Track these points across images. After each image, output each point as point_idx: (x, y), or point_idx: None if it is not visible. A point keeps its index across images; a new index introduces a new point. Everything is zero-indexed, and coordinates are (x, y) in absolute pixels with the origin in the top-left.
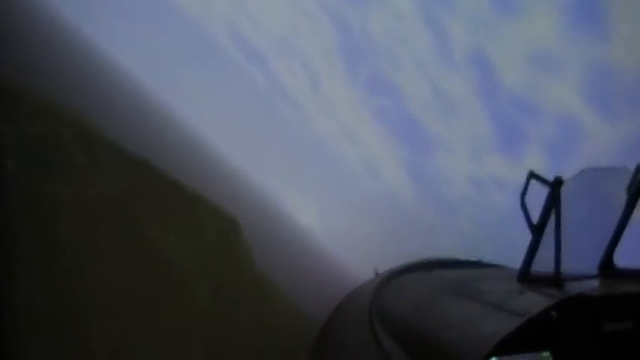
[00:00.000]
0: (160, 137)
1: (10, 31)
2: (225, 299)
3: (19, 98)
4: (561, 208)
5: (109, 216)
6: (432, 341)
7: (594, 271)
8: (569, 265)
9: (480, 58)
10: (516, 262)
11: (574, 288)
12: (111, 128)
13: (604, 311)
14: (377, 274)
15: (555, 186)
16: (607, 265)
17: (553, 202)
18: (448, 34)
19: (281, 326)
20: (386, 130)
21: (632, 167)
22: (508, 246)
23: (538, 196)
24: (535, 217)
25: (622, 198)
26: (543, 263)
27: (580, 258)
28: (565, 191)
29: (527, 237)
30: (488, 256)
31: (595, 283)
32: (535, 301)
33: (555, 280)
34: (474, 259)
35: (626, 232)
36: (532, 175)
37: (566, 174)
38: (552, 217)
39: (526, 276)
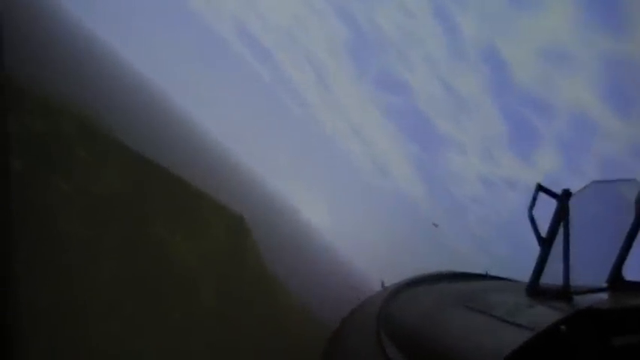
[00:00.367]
0: (166, 134)
1: (14, 26)
2: (231, 297)
3: (22, 93)
4: (570, 221)
5: (113, 213)
6: (440, 354)
7: (603, 283)
8: (577, 278)
9: (491, 55)
10: (527, 264)
11: (583, 301)
12: (116, 125)
13: (613, 325)
14: (383, 286)
15: (563, 199)
16: (616, 278)
17: (561, 214)
18: (459, 30)
19: (287, 325)
20: (395, 128)
21: None
22: (519, 248)
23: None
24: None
25: (631, 210)
26: (552, 275)
27: (589, 270)
28: (573, 204)
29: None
30: (497, 259)
31: (604, 297)
32: (544, 315)
33: (564, 293)
34: (481, 272)
35: (635, 245)
36: (540, 188)
37: (580, 174)
38: (561, 230)
39: (535, 289)
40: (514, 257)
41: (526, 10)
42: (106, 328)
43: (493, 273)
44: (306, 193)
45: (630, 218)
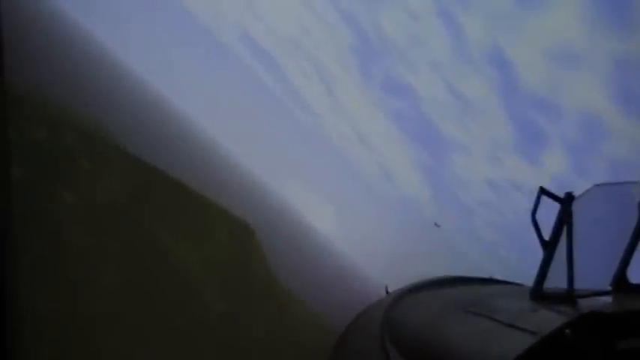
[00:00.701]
0: (171, 141)
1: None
2: (236, 302)
3: (21, 99)
4: (573, 224)
5: (117, 220)
6: (444, 358)
7: (607, 287)
8: (581, 281)
9: (497, 56)
10: (534, 267)
11: (587, 305)
12: (117, 129)
13: (618, 328)
14: (387, 292)
15: (566, 202)
16: (620, 281)
17: (564, 217)
18: (464, 32)
19: (291, 329)
20: (400, 133)
21: None
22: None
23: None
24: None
25: (634, 213)
26: (556, 279)
27: (593, 274)
28: (576, 207)
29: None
30: (505, 263)
31: (608, 300)
32: (548, 319)
33: (568, 296)
34: (488, 275)
35: (639, 247)
36: (543, 192)
37: (588, 176)
38: (564, 233)
39: (539, 293)
40: (522, 260)
41: (532, 11)
42: (110, 335)
43: (501, 277)
44: (311, 197)
45: (634, 221)
